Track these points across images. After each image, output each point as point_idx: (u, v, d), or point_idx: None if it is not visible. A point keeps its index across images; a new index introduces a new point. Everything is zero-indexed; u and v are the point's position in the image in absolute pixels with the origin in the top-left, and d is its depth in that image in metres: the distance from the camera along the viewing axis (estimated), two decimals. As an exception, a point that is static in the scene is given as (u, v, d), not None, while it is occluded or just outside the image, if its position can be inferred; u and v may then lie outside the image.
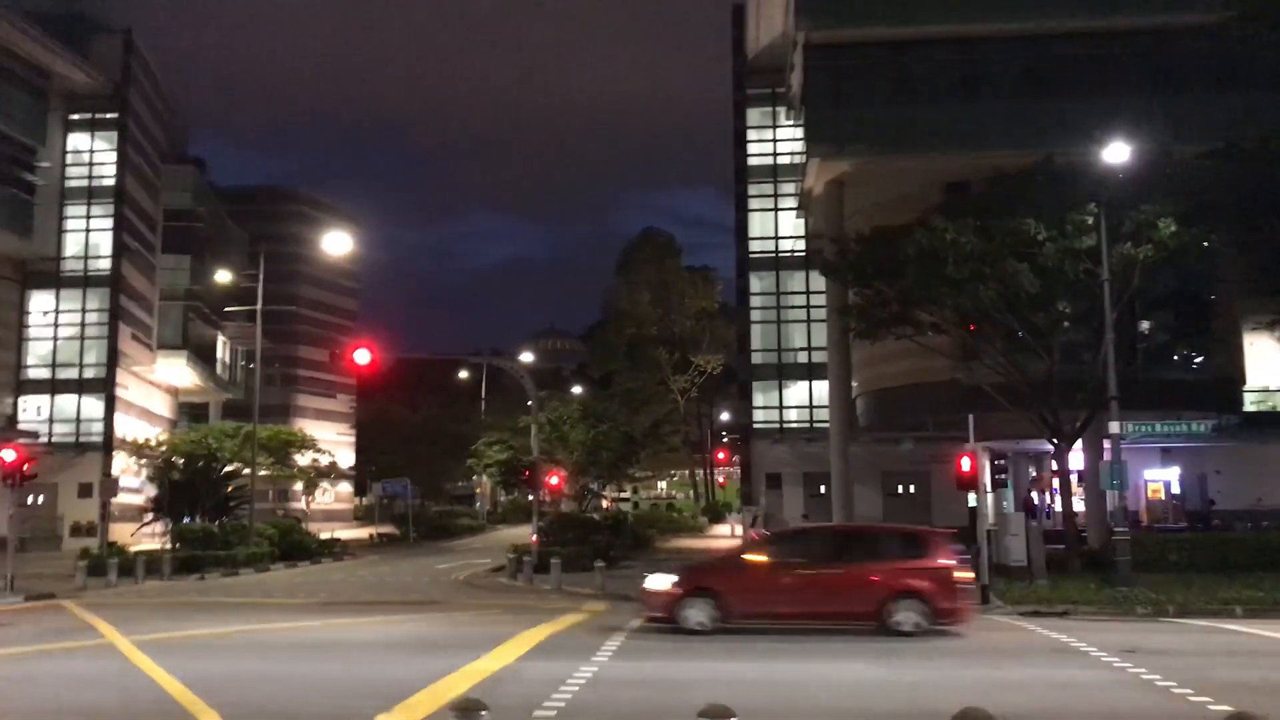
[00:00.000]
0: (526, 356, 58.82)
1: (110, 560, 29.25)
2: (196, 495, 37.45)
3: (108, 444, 52.21)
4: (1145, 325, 32.39)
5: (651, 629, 16.95)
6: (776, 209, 48.70)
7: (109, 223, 54.14)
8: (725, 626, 16.66)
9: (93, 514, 49.32)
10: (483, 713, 6.74)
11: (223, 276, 54.38)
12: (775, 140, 48.75)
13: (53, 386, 53.64)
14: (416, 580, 31.11)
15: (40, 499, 50.00)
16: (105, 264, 53.89)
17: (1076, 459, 30.37)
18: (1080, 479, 33.98)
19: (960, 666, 14.07)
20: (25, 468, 26.08)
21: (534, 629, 17.27)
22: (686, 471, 77.59)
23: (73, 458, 51.51)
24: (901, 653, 15.23)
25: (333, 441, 78.01)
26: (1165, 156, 26.58)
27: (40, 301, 54.14)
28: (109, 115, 54.56)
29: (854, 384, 39.93)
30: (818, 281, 42.36)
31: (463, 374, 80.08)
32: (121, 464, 52.27)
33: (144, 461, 51.05)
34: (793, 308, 48.41)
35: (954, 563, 16.94)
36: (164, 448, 51.46)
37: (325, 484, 74.25)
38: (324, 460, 67.27)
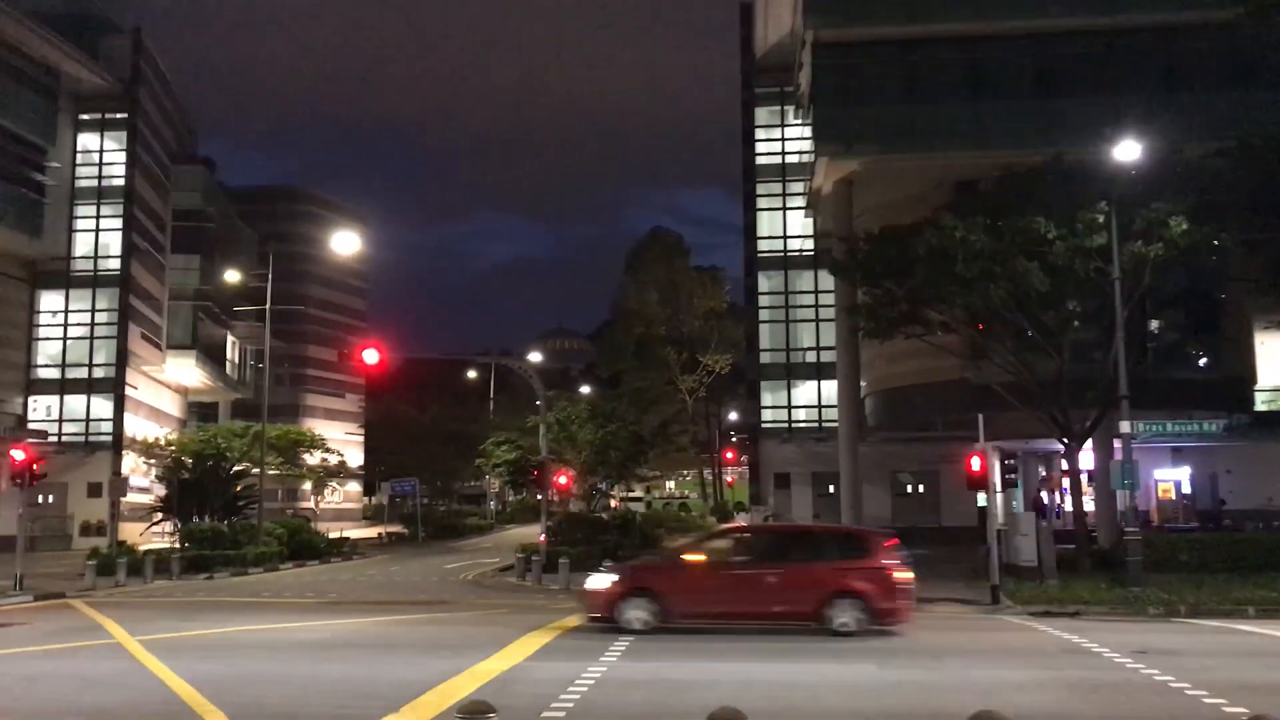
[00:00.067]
0: (535, 356, 58.85)
1: (119, 560, 29.30)
2: (205, 495, 37.49)
3: (117, 443, 52.33)
4: (1156, 324, 32.25)
5: (662, 630, 16.88)
6: (785, 208, 48.64)
7: (118, 223, 54.25)
8: (666, 626, 16.61)
9: (102, 513, 49.41)
10: (490, 715, 6.69)
11: (232, 276, 54.53)
12: (784, 139, 48.69)
13: (62, 386, 53.77)
14: (425, 580, 31.11)
15: (50, 498, 50.16)
16: (115, 264, 54.02)
17: (1086, 458, 30.21)
18: (1090, 478, 33.82)
19: (971, 667, 13.99)
20: (35, 467, 26.11)
21: (542, 629, 17.23)
22: (695, 471, 77.41)
23: (82, 457, 51.64)
24: (911, 653, 15.17)
25: (342, 441, 78.13)
26: (1176, 154, 26.47)
27: (50, 301, 54.26)
28: (118, 115, 54.68)
29: (863, 383, 39.83)
30: (826, 281, 42.27)
31: (471, 374, 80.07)
32: (131, 463, 52.40)
33: (153, 461, 51.22)
34: (801, 307, 48.34)
35: (894, 563, 16.99)
36: (173, 447, 51.62)
37: (334, 483, 74.40)
38: (333, 460, 67.37)
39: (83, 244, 54.62)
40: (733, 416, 71.37)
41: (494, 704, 7.04)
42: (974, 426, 23.44)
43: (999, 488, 24.02)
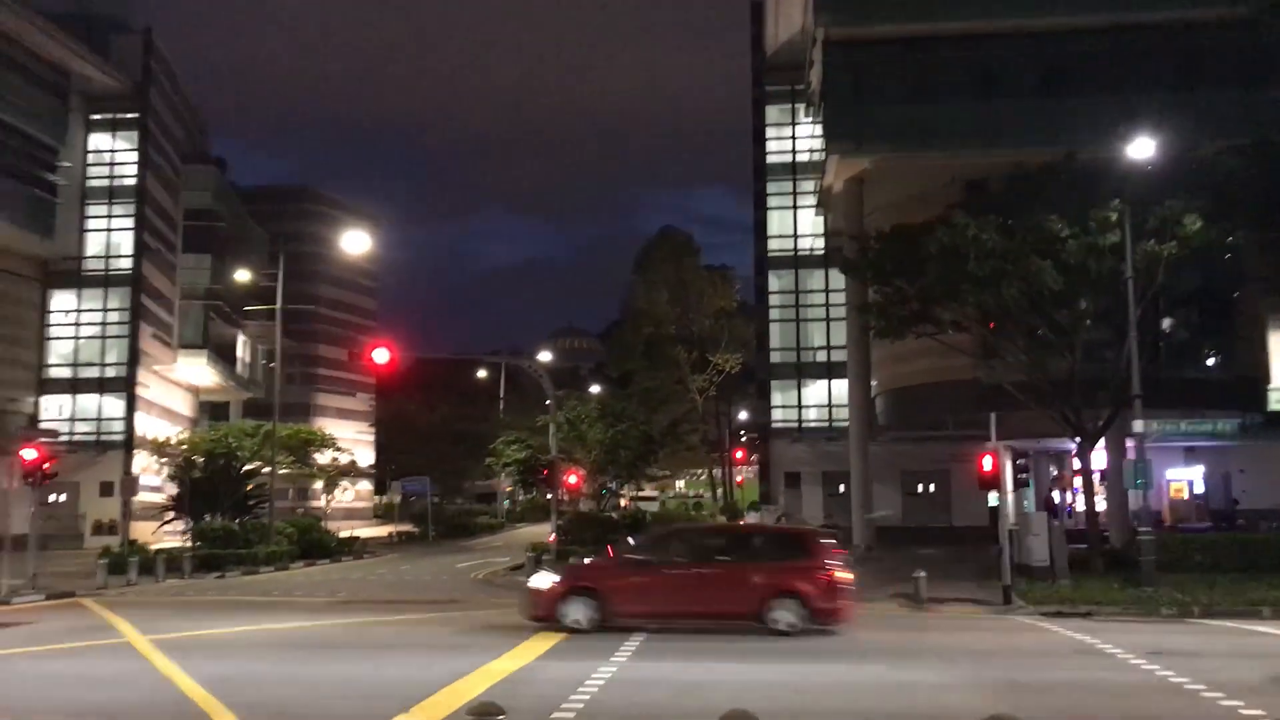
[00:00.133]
0: (545, 356, 58.73)
1: (131, 558, 29.35)
2: (217, 494, 37.56)
3: (129, 443, 52.50)
4: (1169, 323, 32.05)
5: (669, 630, 16.83)
6: (795, 207, 48.53)
7: (130, 222, 54.43)
8: (606, 625, 16.62)
9: (114, 512, 49.60)
10: (500, 717, 6.65)
11: (243, 276, 54.60)
12: (794, 137, 48.60)
13: (74, 386, 53.96)
14: (436, 579, 31.11)
15: (62, 497, 50.31)
16: (126, 263, 54.18)
17: (1098, 458, 30.07)
18: (1103, 478, 33.69)
19: (984, 668, 13.91)
20: (46, 466, 26.16)
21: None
22: (705, 471, 77.34)
23: (94, 456, 51.78)
24: (922, 654, 15.11)
25: (352, 440, 78.25)
26: (1189, 152, 26.30)
27: (62, 301, 54.46)
28: (129, 115, 54.86)
29: (873, 383, 39.72)
30: (837, 280, 42.17)
31: (481, 373, 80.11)
32: (142, 463, 52.52)
33: (165, 460, 51.29)
34: (812, 306, 48.25)
35: (835, 564, 17.09)
36: (184, 446, 51.69)
37: (345, 482, 74.46)
38: (344, 459, 67.44)
39: (94, 244, 54.82)
40: (743, 416, 71.28)
41: (504, 704, 7.01)
42: (985, 426, 23.33)
43: (1011, 487, 23.92)
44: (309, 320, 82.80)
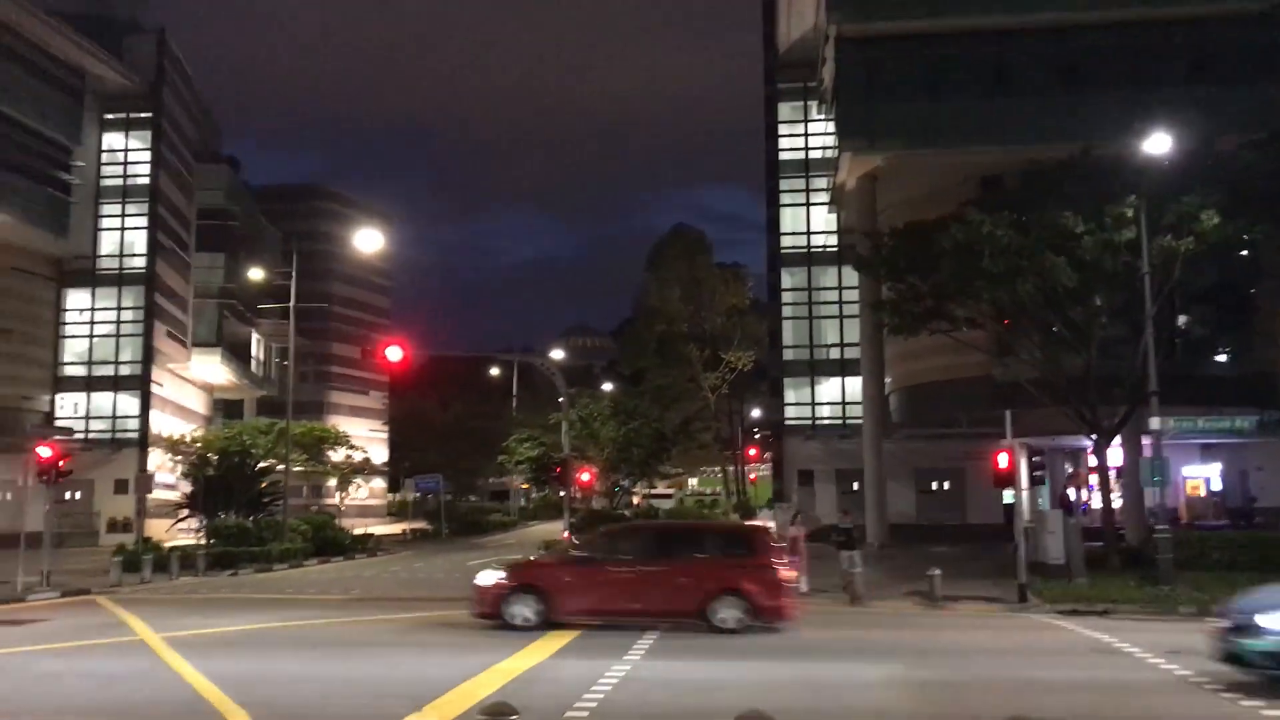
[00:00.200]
0: (557, 353, 58.79)
1: (145, 556, 29.41)
2: (231, 491, 37.61)
3: (143, 441, 52.68)
4: (1185, 319, 31.83)
5: (686, 627, 16.76)
6: (808, 204, 48.38)
7: (144, 221, 54.62)
8: (552, 623, 16.67)
9: (129, 510, 49.84)
10: (512, 717, 6.59)
11: (256, 274, 54.72)
12: (807, 135, 48.44)
13: (89, 384, 54.16)
14: (449, 577, 31.07)
15: (77, 495, 50.53)
16: (140, 262, 54.37)
17: (1113, 455, 29.89)
18: (1118, 475, 33.52)
19: (1000, 667, 13.81)
20: (61, 464, 26.24)
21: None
22: (719, 468, 77.22)
23: (109, 454, 51.98)
24: (939, 653, 15.01)
25: (366, 438, 78.38)
26: (1206, 147, 26.09)
27: (76, 300, 54.67)
28: (143, 114, 55.04)
29: (887, 380, 39.58)
30: (850, 277, 42.03)
31: (493, 371, 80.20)
32: (157, 460, 52.72)
33: (179, 458, 51.47)
34: (825, 303, 48.10)
35: (779, 562, 17.15)
36: (199, 444, 51.86)
37: (359, 480, 74.62)
38: (357, 456, 67.56)
39: (108, 243, 55.03)
40: (756, 413, 71.13)
41: (516, 703, 6.97)
42: (999, 423, 23.15)
43: (1026, 485, 23.76)
44: (323, 318, 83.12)
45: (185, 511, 39.90)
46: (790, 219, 48.57)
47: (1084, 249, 25.20)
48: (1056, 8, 34.35)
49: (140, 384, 53.59)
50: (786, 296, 48.53)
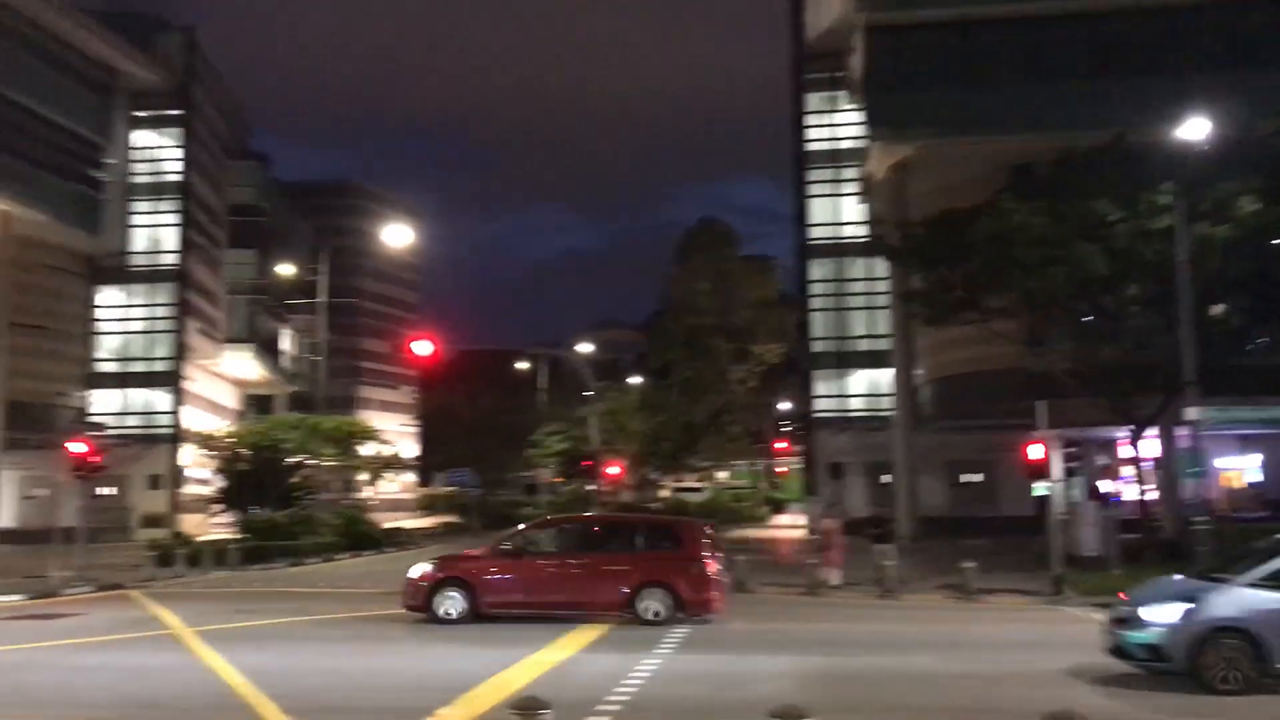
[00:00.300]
0: (585, 347, 58.70)
1: (178, 551, 29.61)
2: (262, 486, 37.87)
3: (176, 436, 53.12)
4: (1222, 308, 31.34)
5: (716, 623, 16.65)
6: (837, 195, 48.09)
7: (175, 218, 55.05)
8: (478, 616, 16.64)
9: (162, 505, 50.28)
10: (543, 712, 6.50)
11: (287, 270, 55.00)
12: (835, 125, 48.16)
13: (122, 380, 54.65)
14: (478, 570, 31.06)
15: (111, 491, 50.95)
16: (172, 259, 54.82)
17: (1149, 446, 29.49)
18: (1155, 466, 33.09)
19: (1037, 660, 13.61)
20: (95, 460, 26.43)
21: (596, 621, 17.05)
22: (748, 461, 76.99)
23: (142, 450, 52.36)
24: (974, 646, 14.85)
25: (396, 432, 78.71)
26: (1244, 132, 25.64)
27: (109, 296, 55.17)
28: (173, 112, 55.47)
29: (918, 371, 39.27)
30: (879, 268, 41.77)
31: (522, 365, 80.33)
32: (189, 456, 53.10)
33: (211, 453, 51.81)
34: (854, 295, 47.80)
35: (706, 555, 16.97)
36: (230, 439, 52.19)
37: (389, 474, 74.87)
38: (387, 451, 67.76)
39: (140, 240, 55.48)
40: (786, 406, 70.89)
41: (548, 697, 6.87)
42: (1031, 414, 22.88)
43: (1060, 476, 23.45)
44: (353, 314, 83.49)
45: (218, 506, 40.17)
46: (818, 210, 48.31)
47: (1117, 237, 24.87)
48: (1088, -7, 33.98)
49: (172, 380, 54.04)
50: (815, 288, 48.29)
